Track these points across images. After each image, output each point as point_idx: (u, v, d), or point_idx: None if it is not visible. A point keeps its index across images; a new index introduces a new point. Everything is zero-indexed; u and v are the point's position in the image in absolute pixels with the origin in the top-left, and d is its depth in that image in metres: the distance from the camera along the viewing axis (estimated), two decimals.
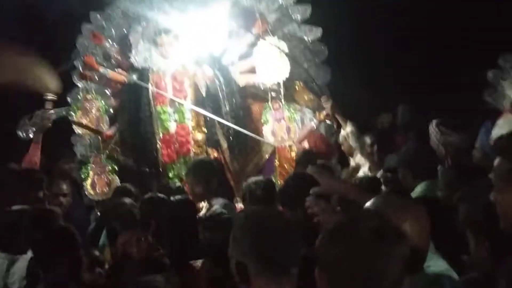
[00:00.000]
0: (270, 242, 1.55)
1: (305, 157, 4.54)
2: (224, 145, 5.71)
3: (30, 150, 5.08)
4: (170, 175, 5.57)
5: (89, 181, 5.52)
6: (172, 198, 3.57)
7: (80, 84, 5.70)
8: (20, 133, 5.42)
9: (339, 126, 5.31)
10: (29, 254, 2.89)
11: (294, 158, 5.28)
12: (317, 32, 5.78)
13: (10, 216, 3.19)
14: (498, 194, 1.77)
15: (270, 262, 1.54)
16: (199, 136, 5.63)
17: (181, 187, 5.31)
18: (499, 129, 3.89)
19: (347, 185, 2.47)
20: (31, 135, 5.37)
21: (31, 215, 3.13)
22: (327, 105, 5.24)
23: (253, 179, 4.06)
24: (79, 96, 5.67)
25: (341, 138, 5.28)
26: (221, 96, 5.64)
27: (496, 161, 1.81)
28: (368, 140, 5.01)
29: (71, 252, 2.53)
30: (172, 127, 5.61)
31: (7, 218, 3.12)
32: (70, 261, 2.47)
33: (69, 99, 5.78)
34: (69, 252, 2.53)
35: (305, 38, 5.76)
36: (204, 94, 5.64)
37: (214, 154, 5.64)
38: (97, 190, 5.48)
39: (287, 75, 5.55)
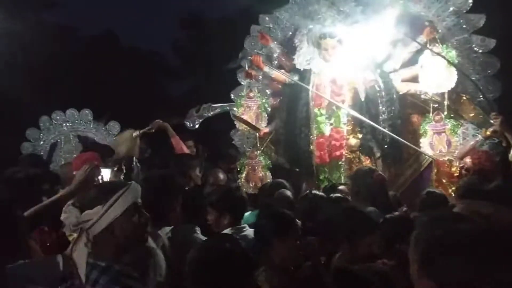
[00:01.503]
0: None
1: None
2: (378, 153, 5.59)
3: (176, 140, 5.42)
4: (321, 177, 5.62)
5: (244, 174, 5.81)
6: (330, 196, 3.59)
7: (244, 82, 6.02)
8: (187, 123, 5.92)
9: (509, 145, 4.88)
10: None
11: (455, 173, 5.01)
12: (490, 43, 5.42)
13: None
14: None
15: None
16: (353, 142, 5.59)
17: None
18: None
19: None
20: (197, 126, 5.83)
21: None
22: (496, 121, 4.86)
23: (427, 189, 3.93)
24: (242, 93, 6.00)
25: (511, 159, 4.85)
26: (379, 103, 5.54)
27: None
28: None
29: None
30: (327, 130, 5.65)
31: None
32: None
33: (232, 96, 6.15)
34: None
35: (476, 48, 5.43)
36: (362, 100, 5.59)
37: (366, 161, 5.55)
38: (250, 184, 5.74)
39: (452, 86, 5.29)
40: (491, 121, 4.96)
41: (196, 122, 5.86)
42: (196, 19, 17.43)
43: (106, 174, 3.70)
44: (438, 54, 5.23)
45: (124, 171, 3.80)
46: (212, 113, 5.94)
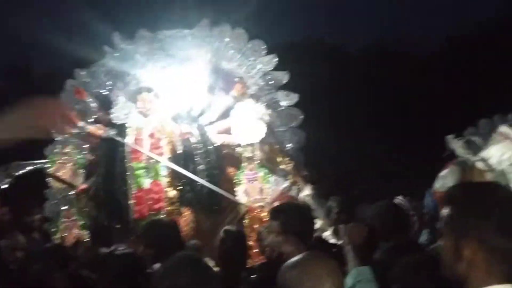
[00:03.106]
0: None
1: None
2: (197, 203, 5.71)
3: None
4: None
5: (58, 236, 5.48)
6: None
7: (58, 138, 5.77)
8: None
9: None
10: None
11: (264, 218, 5.30)
12: (293, 97, 5.98)
13: None
14: (441, 240, 1.80)
15: None
16: (172, 194, 5.63)
17: None
18: (442, 180, 4.06)
19: None
20: (4, 186, 5.40)
21: None
22: (288, 167, 5.35)
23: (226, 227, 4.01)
24: (56, 150, 5.75)
25: (301, 199, 5.30)
26: (196, 155, 5.72)
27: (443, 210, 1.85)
28: (334, 207, 5.00)
29: None
30: (146, 183, 5.62)
31: None
32: None
33: (46, 152, 5.85)
34: None
35: (282, 103, 5.95)
36: (180, 152, 5.71)
37: (186, 212, 5.62)
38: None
39: (262, 137, 5.69)
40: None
41: (3, 182, 5.42)
42: (20, 70, 16.50)
43: None
44: (248, 108, 5.63)
45: None
46: (21, 171, 5.57)
